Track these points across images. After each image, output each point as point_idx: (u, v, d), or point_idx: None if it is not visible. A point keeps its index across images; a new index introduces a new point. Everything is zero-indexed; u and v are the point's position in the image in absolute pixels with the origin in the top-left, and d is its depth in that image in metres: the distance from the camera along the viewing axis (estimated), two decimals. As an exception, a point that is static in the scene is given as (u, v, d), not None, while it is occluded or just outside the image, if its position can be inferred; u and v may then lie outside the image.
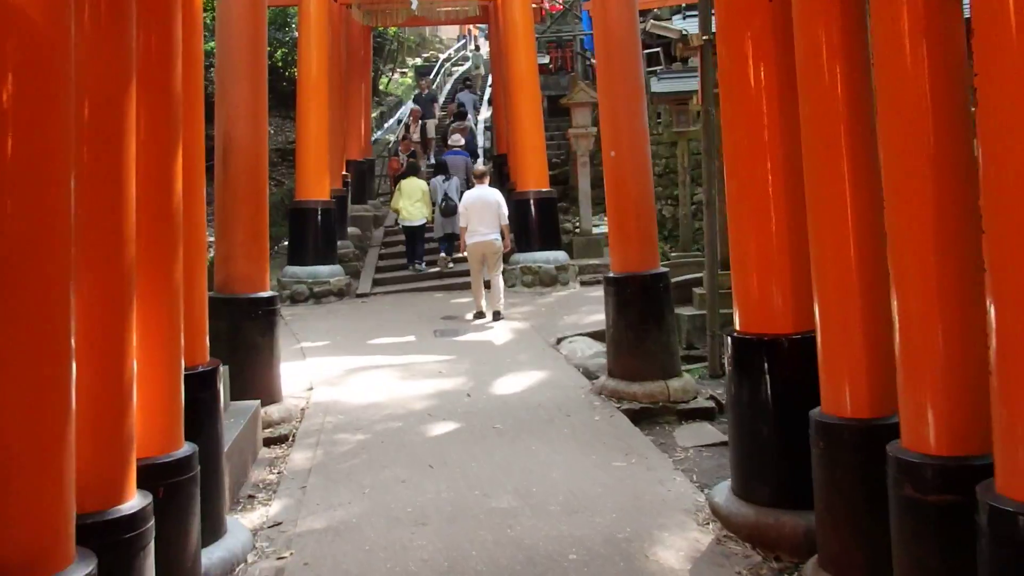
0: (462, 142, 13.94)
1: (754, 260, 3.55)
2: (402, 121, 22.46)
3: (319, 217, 11.58)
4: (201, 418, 3.47)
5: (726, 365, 3.86)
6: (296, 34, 12.96)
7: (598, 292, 10.83)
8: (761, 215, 3.50)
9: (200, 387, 3.52)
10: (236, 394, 5.27)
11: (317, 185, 11.59)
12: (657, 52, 18.51)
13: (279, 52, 23.16)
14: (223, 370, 4.85)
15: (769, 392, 3.51)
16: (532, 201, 11.53)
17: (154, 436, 2.88)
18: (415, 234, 12.30)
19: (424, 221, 12.21)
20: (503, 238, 9.20)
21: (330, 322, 9.70)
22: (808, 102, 3.05)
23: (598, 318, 8.57)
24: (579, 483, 4.21)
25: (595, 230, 13.13)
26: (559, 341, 7.73)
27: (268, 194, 5.83)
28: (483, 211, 9.01)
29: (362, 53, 15.80)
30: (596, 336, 7.67)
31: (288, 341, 8.51)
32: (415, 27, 31.71)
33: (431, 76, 25.34)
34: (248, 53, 5.61)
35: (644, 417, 5.55)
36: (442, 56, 29.73)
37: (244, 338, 5.49)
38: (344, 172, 14.10)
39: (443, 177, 12.36)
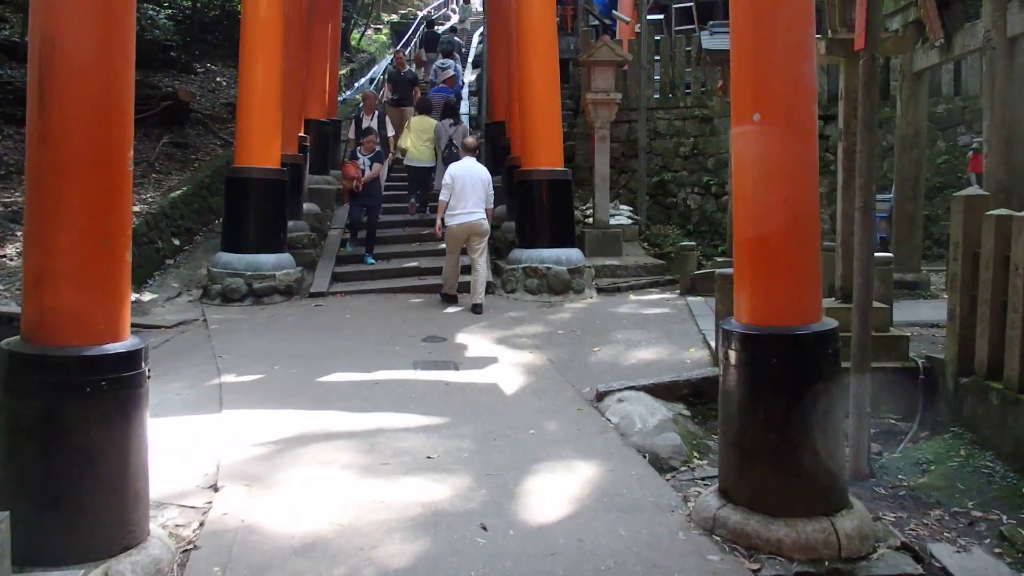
0: (451, 74, 13.99)
1: None
2: (375, 80, 19.64)
3: (264, 190, 8.92)
4: None
5: None
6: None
7: (626, 307, 8.34)
8: None
9: None
10: (42, 549, 2.72)
11: (264, 149, 8.92)
12: (690, 7, 15.94)
13: (239, -4, 20.18)
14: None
15: None
16: (542, 183, 9.00)
17: None
18: (421, 176, 10.99)
19: (433, 164, 10.88)
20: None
21: (269, 337, 7.09)
22: None
23: (646, 355, 6.15)
24: None
25: (612, 221, 10.66)
26: (600, 397, 5.22)
27: (132, 160, 3.19)
28: (473, 188, 7.97)
29: (329, -13, 12.95)
30: (657, 393, 5.18)
31: (204, 370, 5.97)
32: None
33: (407, 35, 22.53)
34: None
35: (802, 592, 3.11)
36: (421, 13, 26.89)
37: (67, 433, 2.89)
38: (302, 134, 11.38)
39: (450, 122, 11.34)
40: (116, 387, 2.98)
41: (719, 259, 9.41)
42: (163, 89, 14.02)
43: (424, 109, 11.51)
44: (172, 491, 3.80)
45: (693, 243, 9.34)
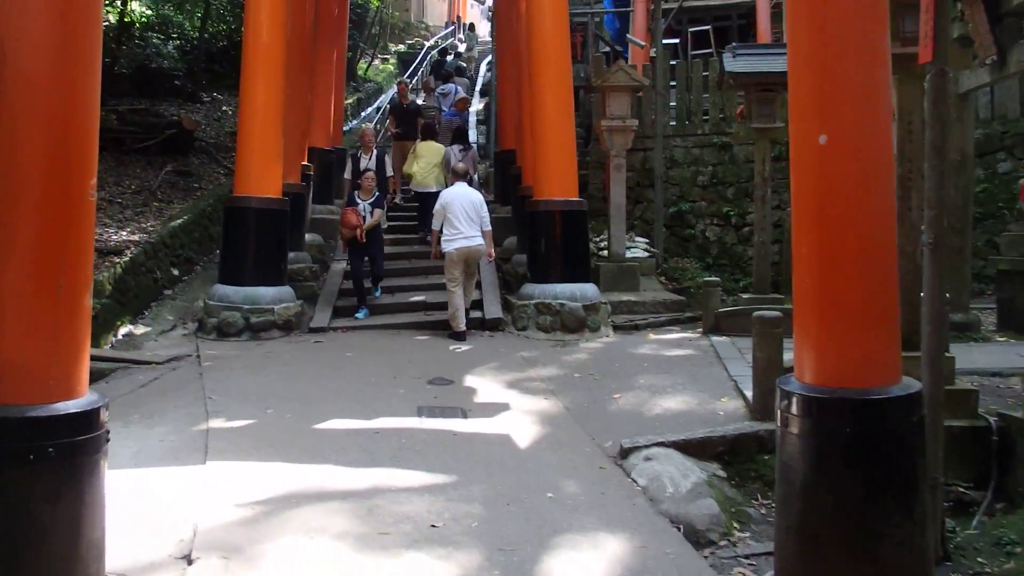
0: (462, 94, 14.27)
1: None
2: (381, 108, 19.33)
3: (264, 220, 8.50)
4: None
5: None
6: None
7: (646, 347, 7.81)
8: None
9: None
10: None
11: (264, 177, 8.53)
12: (707, 31, 15.63)
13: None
14: None
15: None
16: (555, 214, 8.56)
17: None
18: (428, 202, 10.34)
19: (438, 188, 10.31)
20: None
21: (264, 377, 6.60)
22: None
23: (673, 404, 5.64)
24: None
25: (628, 254, 10.19)
26: (625, 453, 4.70)
27: (95, 189, 2.73)
28: (465, 211, 8.07)
29: (336, 12, 12.67)
30: (689, 450, 4.66)
31: (191, 413, 5.50)
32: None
33: (414, 64, 22.31)
34: None
35: None
36: (427, 43, 26.75)
37: (4, 509, 2.41)
38: (305, 163, 11.00)
39: (460, 147, 11.29)
40: (66, 453, 2.51)
41: (744, 295, 8.93)
42: (167, 117, 13.70)
43: (429, 134, 11.31)
44: (140, 561, 3.30)
45: (716, 278, 8.84)
